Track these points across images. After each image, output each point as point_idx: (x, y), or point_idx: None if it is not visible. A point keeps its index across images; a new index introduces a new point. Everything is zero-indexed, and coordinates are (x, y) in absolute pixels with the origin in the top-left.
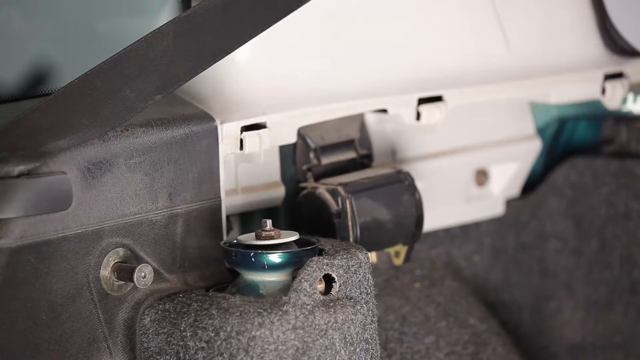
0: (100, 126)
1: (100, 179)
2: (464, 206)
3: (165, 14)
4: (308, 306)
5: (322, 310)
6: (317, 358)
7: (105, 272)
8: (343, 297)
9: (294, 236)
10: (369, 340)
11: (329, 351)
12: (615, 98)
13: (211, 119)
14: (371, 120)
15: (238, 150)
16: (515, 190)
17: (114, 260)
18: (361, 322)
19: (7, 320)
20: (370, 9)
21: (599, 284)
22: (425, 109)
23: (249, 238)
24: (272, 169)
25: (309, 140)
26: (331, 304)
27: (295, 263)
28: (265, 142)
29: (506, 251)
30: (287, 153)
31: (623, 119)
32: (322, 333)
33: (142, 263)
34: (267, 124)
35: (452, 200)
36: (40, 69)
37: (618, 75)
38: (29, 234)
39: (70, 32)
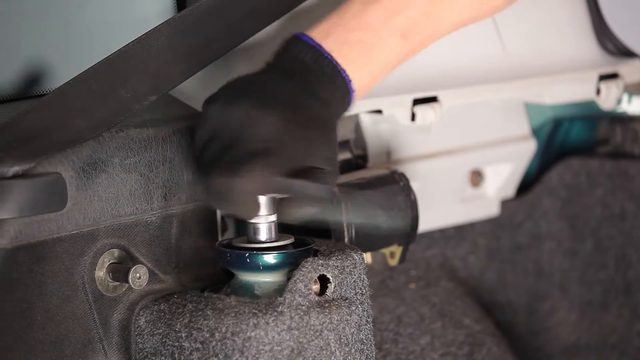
0: (95, 127)
1: (95, 180)
2: (459, 207)
3: (160, 15)
4: (303, 307)
5: (317, 311)
6: (312, 359)
7: (100, 273)
8: (338, 298)
9: (289, 237)
10: (364, 340)
11: (324, 352)
12: (610, 99)
13: None
14: (366, 121)
15: None
16: (510, 191)
17: (109, 261)
18: (356, 322)
19: (2, 321)
20: None
21: (594, 285)
22: (420, 109)
23: (243, 239)
24: None
25: None
26: (326, 305)
27: (290, 264)
28: None
29: (501, 252)
30: None
31: (618, 119)
32: (317, 334)
33: (137, 264)
34: None
35: (447, 201)
36: (35, 69)
37: (613, 76)
38: (24, 235)
39: (65, 34)
